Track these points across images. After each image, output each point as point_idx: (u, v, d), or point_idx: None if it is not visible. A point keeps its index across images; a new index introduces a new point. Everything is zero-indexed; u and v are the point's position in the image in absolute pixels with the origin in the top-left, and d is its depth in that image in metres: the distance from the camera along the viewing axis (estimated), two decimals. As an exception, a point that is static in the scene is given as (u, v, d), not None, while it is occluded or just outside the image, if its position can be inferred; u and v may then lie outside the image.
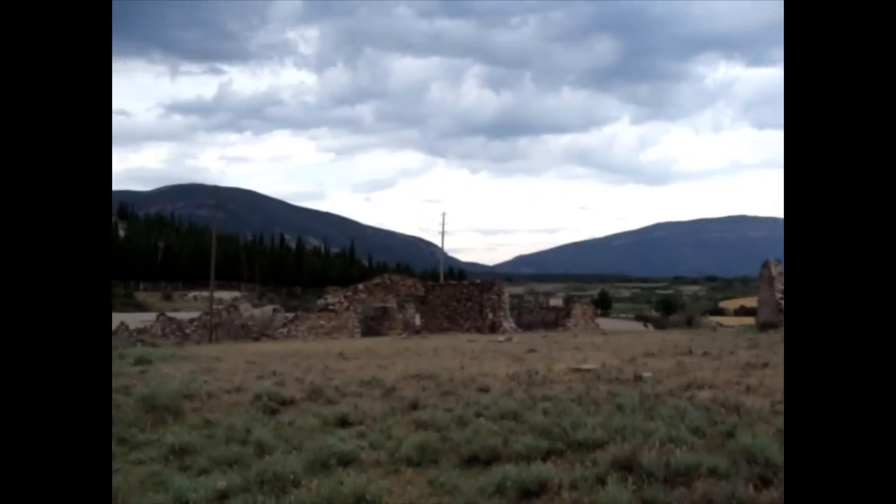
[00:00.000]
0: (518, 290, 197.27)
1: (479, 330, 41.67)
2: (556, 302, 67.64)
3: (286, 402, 11.59)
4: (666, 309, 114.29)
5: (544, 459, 7.60)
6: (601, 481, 6.62)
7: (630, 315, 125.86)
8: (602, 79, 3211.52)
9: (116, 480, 7.84)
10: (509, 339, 29.09)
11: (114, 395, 11.80)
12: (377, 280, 47.45)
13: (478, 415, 9.96)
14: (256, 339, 41.35)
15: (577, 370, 14.65)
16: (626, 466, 6.88)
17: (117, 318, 67.92)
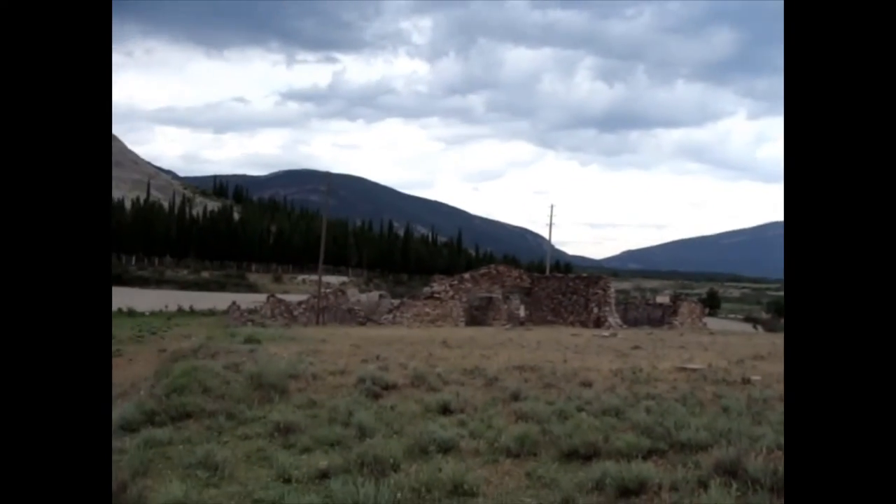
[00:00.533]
0: (624, 285, 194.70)
1: (584, 324, 41.30)
2: (662, 299, 66.38)
3: (389, 387, 11.74)
4: (777, 311, 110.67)
5: (645, 458, 7.47)
6: (703, 485, 6.47)
7: (739, 316, 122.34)
8: (718, 72, 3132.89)
9: (224, 453, 8.10)
10: (614, 335, 28.73)
11: (224, 372, 12.19)
12: (483, 270, 47.55)
13: (579, 409, 9.88)
14: (362, 324, 41.99)
15: (683, 369, 14.35)
16: (730, 471, 6.69)
17: (230, 298, 70.11)
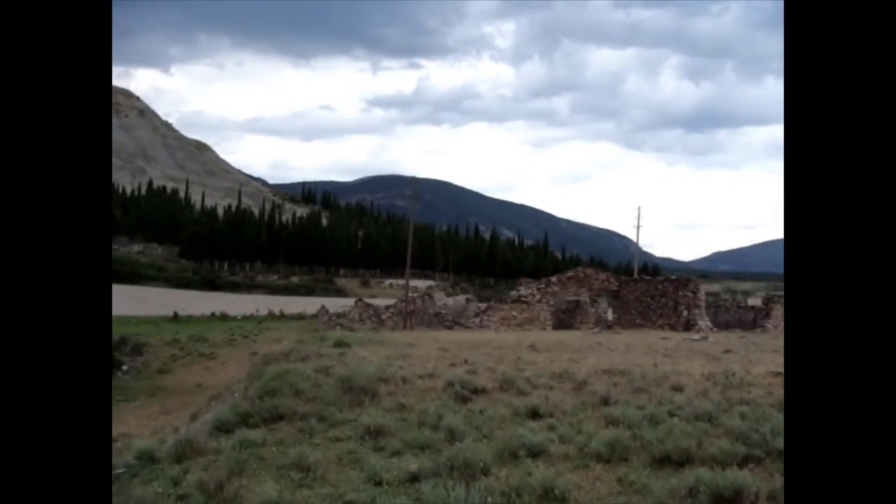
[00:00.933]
0: (714, 287, 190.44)
1: (673, 327, 40.60)
2: (754, 301, 64.72)
3: (478, 391, 11.74)
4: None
5: (740, 466, 7.30)
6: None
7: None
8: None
9: (315, 455, 8.24)
10: (704, 338, 28.16)
11: (315, 375, 12.38)
12: (570, 273, 47.20)
13: (671, 414, 9.71)
14: (449, 328, 42.14)
15: (778, 374, 13.95)
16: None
17: (319, 302, 71.24)
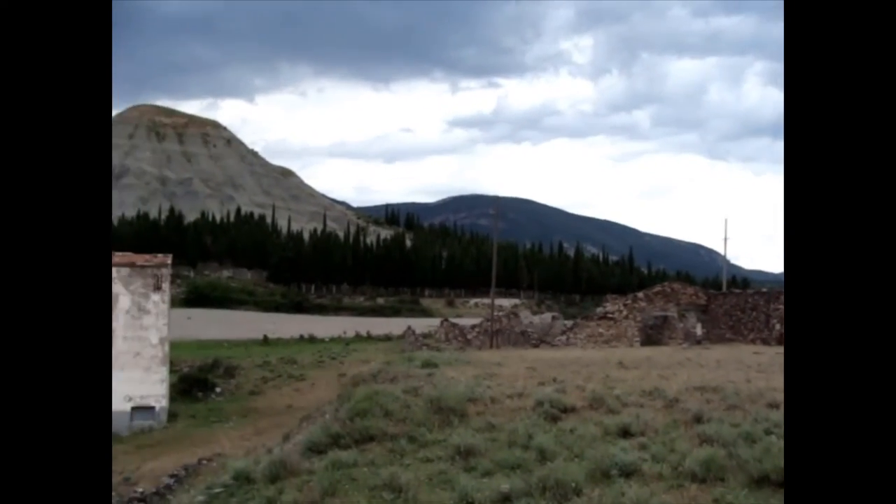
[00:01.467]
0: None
1: (765, 342, 39.57)
2: (852, 313, 62.81)
3: (567, 410, 11.65)
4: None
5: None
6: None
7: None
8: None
9: (407, 475, 8.29)
10: (800, 353, 27.35)
11: (404, 396, 12.45)
12: (657, 288, 46.52)
13: (767, 432, 9.45)
14: (535, 346, 41.94)
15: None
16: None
17: (405, 323, 71.76)
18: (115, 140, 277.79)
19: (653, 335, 46.72)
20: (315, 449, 10.21)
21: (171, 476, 21.68)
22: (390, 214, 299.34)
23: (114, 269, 35.12)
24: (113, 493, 15.40)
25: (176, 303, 63.95)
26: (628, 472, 8.05)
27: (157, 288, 35.54)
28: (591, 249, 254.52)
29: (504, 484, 7.75)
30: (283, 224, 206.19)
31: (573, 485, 7.43)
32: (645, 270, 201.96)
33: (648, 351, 31.56)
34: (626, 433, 9.97)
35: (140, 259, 36.76)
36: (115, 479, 24.44)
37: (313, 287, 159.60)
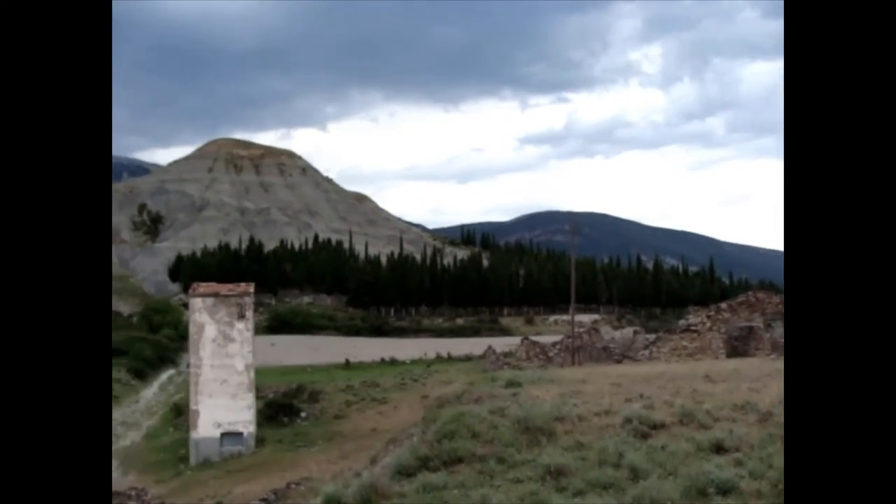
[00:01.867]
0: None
1: (859, 350, 38.42)
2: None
3: (657, 426, 11.43)
4: None
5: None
6: None
7: None
8: None
9: (498, 496, 8.22)
10: (896, 360, 26.45)
11: (490, 417, 12.39)
12: (741, 298, 45.51)
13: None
14: (618, 362, 41.42)
15: None
16: None
17: (484, 342, 71.66)
18: (195, 174, 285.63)
19: (738, 347, 45.68)
20: (404, 472, 10.22)
21: (262, 500, 22.01)
22: (466, 235, 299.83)
23: (199, 300, 35.96)
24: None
25: (259, 330, 65.24)
26: (725, 490, 7.84)
27: (241, 316, 36.25)
28: (669, 261, 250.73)
29: (597, 504, 7.63)
30: (360, 249, 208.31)
31: (669, 503, 7.27)
32: (726, 280, 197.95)
33: (735, 363, 30.85)
34: (719, 449, 9.74)
35: (224, 289, 37.55)
36: (208, 504, 24.84)
37: (392, 310, 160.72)
